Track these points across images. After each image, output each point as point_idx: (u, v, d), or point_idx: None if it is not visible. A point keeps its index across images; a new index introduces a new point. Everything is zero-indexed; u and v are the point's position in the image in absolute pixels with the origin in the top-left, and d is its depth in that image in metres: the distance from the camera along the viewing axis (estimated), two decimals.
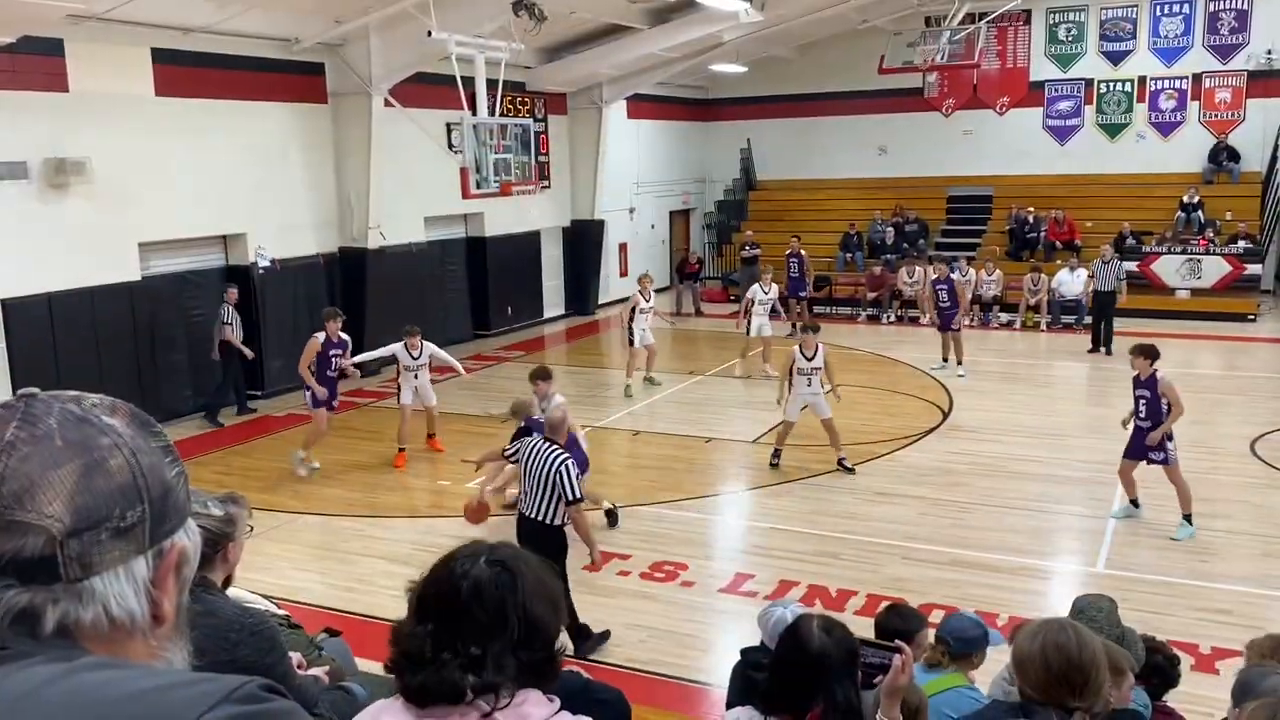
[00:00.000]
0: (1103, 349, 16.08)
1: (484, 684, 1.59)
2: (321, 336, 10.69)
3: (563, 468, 6.59)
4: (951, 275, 15.27)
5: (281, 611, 4.73)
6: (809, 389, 10.60)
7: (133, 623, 0.98)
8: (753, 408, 13.24)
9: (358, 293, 15.49)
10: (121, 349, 12.41)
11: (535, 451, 6.76)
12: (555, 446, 6.76)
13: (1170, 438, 8.61)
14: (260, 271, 14.21)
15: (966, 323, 19.24)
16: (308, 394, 10.84)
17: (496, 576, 1.64)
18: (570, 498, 6.60)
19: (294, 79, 14.58)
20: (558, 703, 1.64)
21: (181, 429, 12.51)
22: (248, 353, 13.15)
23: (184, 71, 13.00)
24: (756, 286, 15.42)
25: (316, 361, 10.68)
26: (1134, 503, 9.01)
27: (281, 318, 14.56)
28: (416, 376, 11.34)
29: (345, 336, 10.93)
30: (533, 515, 6.73)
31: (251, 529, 3.18)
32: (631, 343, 14.58)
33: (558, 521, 6.68)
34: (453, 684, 1.59)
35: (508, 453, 7.67)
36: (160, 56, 12.74)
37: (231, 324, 13.01)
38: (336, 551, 8.89)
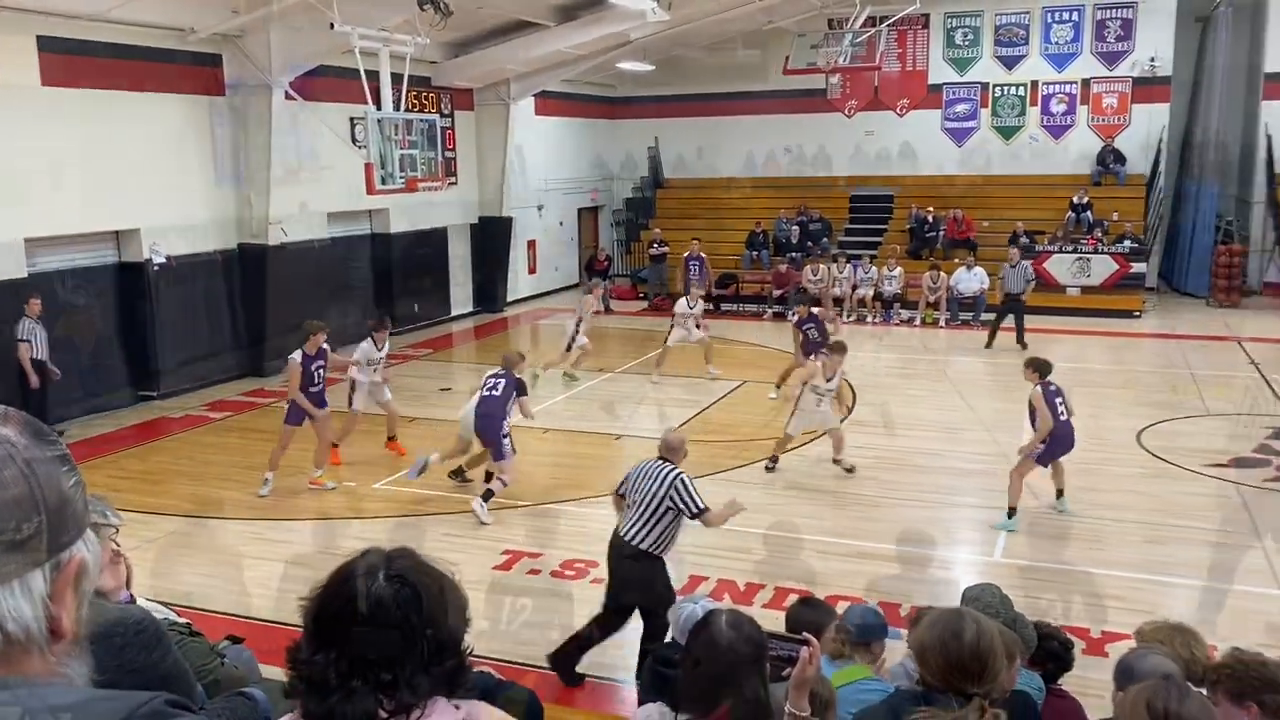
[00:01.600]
0: (1020, 344, 16.32)
1: (398, 706, 1.54)
2: (298, 356, 10.01)
3: (679, 481, 6.21)
4: (814, 311, 13.95)
5: (182, 620, 4.59)
6: (819, 409, 10.40)
7: (29, 639, 0.95)
8: (661, 405, 13.32)
9: (258, 291, 15.12)
10: (6, 349, 11.87)
11: (645, 472, 6.37)
12: (669, 464, 6.38)
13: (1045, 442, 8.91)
14: (154, 269, 13.77)
15: (871, 320, 19.80)
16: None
17: (398, 594, 1.56)
18: (694, 510, 6.22)
19: (190, 70, 14.15)
20: (463, 710, 1.61)
21: (70, 432, 12.06)
22: (33, 379, 11.37)
23: (73, 60, 12.50)
24: (684, 301, 15.19)
25: (302, 379, 10.02)
26: (1059, 493, 9.24)
27: (176, 317, 14.13)
28: (376, 373, 11.01)
29: (326, 346, 10.26)
30: (628, 538, 6.30)
31: (117, 528, 3.08)
32: (568, 348, 14.62)
33: (654, 550, 6.25)
34: (364, 712, 1.53)
35: None
36: (46, 44, 12.22)
37: (31, 340, 11.47)
38: (237, 555, 8.65)
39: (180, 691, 2.61)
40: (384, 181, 13.18)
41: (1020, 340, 16.44)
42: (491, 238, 21.33)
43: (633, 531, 6.27)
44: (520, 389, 9.55)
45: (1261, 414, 12.26)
